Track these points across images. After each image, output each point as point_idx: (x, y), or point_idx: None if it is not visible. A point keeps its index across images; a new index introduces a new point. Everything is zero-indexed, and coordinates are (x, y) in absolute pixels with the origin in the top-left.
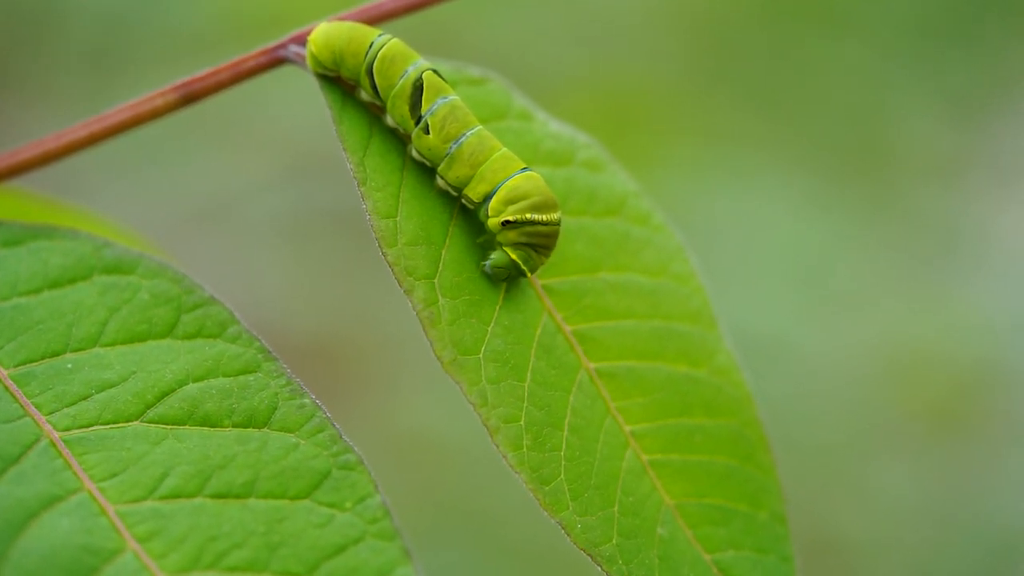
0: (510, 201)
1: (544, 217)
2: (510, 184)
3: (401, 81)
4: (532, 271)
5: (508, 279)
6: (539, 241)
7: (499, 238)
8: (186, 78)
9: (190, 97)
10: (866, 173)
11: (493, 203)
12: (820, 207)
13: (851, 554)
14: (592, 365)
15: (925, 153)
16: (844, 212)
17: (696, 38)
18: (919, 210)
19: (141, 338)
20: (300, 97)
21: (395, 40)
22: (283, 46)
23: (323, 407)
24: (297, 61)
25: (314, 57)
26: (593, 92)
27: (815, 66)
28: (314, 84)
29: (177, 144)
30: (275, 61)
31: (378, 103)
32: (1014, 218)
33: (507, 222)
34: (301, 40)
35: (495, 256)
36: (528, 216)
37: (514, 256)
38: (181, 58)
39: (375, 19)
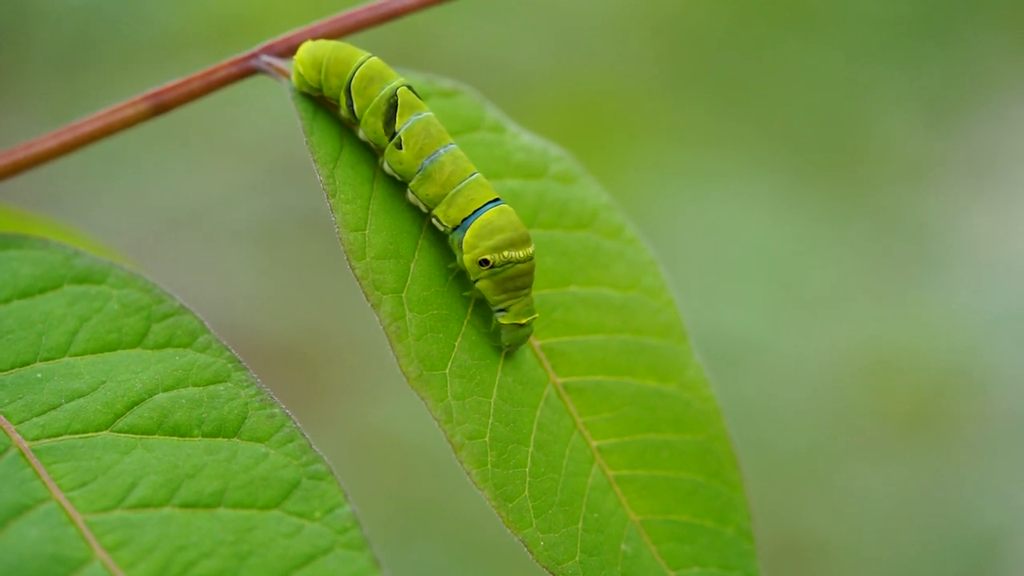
0: (483, 237)
1: (520, 253)
2: (483, 218)
3: (377, 98)
4: (533, 314)
5: (519, 343)
6: (518, 282)
7: (479, 287)
8: (157, 88)
9: (161, 107)
10: (839, 174)
11: (467, 238)
12: (793, 208)
13: (824, 557)
14: (560, 380)
15: (898, 154)
16: (817, 213)
17: (669, 40)
18: (892, 211)
19: (111, 348)
20: (272, 104)
21: (374, 59)
22: (254, 56)
23: (293, 417)
24: (268, 71)
25: (300, 76)
26: (565, 94)
27: (787, 67)
28: (286, 94)
29: (150, 153)
30: (246, 71)
31: (354, 121)
32: (987, 219)
33: (484, 262)
34: (272, 51)
35: (504, 338)
36: (505, 255)
37: (512, 320)
38: (160, 62)
39: (348, 29)
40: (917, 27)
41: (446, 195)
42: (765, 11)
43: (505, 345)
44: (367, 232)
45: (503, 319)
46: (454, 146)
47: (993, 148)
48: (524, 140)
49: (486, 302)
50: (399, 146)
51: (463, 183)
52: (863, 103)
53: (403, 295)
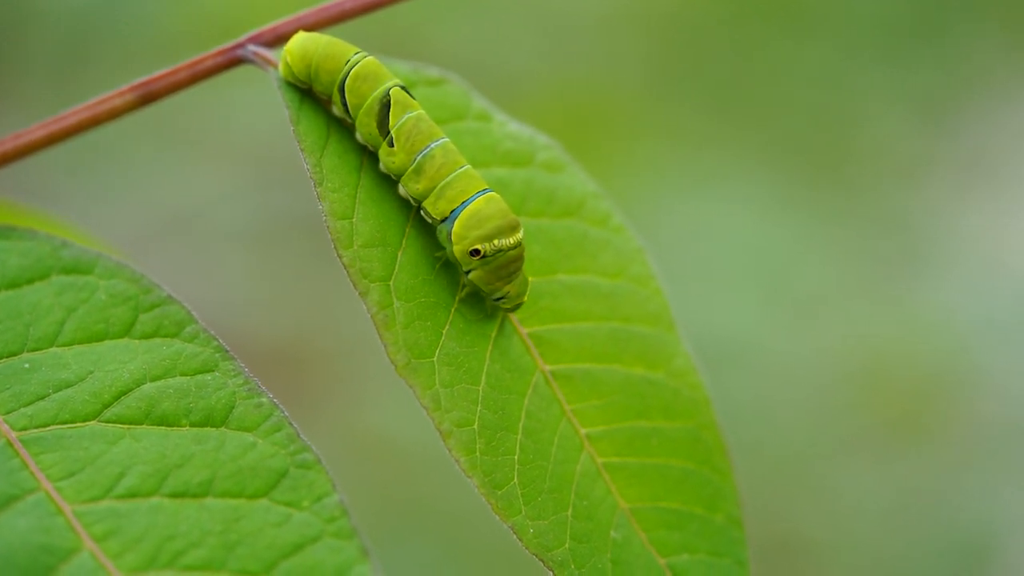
0: (472, 227)
1: (511, 240)
2: (471, 208)
3: (370, 98)
4: (524, 294)
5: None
6: (509, 269)
7: (472, 277)
8: (144, 78)
9: (148, 97)
10: (831, 174)
11: (456, 228)
12: (785, 209)
13: (815, 557)
14: (548, 367)
15: (890, 153)
16: (809, 214)
17: (660, 39)
18: (885, 212)
19: (98, 338)
20: (263, 104)
21: (370, 58)
22: (240, 46)
23: (281, 406)
24: (255, 61)
25: (288, 67)
26: (556, 94)
27: (780, 67)
28: (272, 83)
29: (141, 154)
30: (233, 61)
31: (348, 120)
32: (980, 219)
33: (475, 252)
34: (259, 40)
35: (504, 309)
36: (496, 243)
37: (507, 306)
38: (157, 61)
39: (334, 19)
40: (909, 26)
41: (435, 188)
42: (757, 11)
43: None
44: (354, 220)
45: (505, 304)
46: (446, 139)
47: (985, 148)
48: (511, 128)
49: (480, 292)
50: (391, 144)
51: (452, 175)
52: (855, 102)
53: (391, 283)
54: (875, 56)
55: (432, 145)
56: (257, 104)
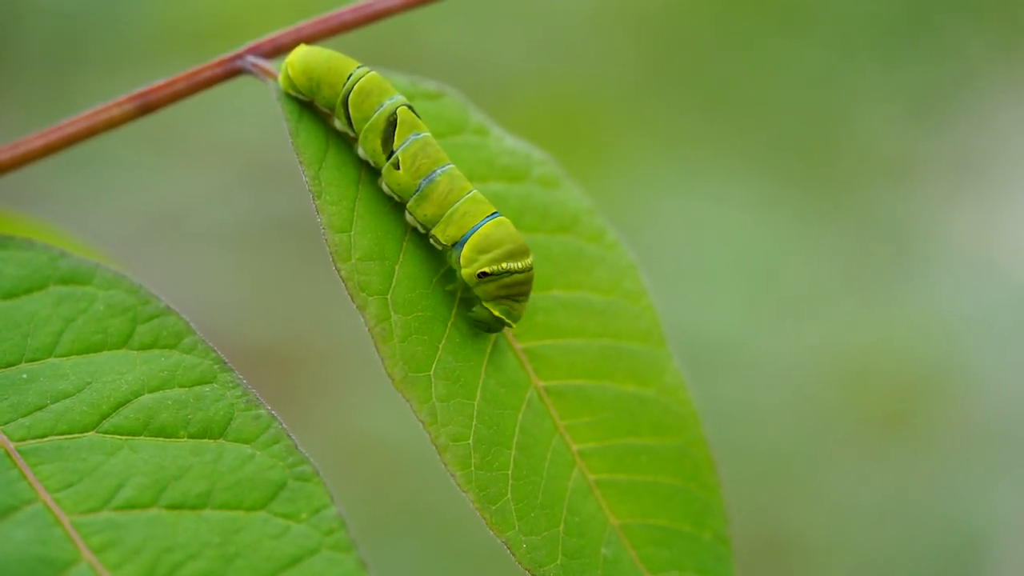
0: (482, 250)
1: (519, 264)
2: (481, 232)
3: (375, 115)
4: (516, 320)
5: (491, 330)
6: (516, 290)
7: (476, 291)
8: (143, 88)
9: (147, 107)
10: (821, 174)
11: (465, 251)
12: (774, 208)
13: (804, 557)
14: (541, 383)
15: (880, 153)
16: (798, 213)
17: (650, 40)
18: (874, 212)
19: (96, 348)
20: (254, 105)
21: (372, 73)
22: (240, 57)
23: (279, 418)
24: (254, 72)
25: (289, 80)
26: (547, 95)
27: (769, 65)
28: (269, 94)
29: (130, 155)
30: (232, 72)
31: (351, 134)
32: (969, 218)
33: (483, 274)
34: (258, 51)
35: (476, 310)
36: (504, 266)
37: (497, 312)
38: (151, 63)
39: (334, 30)
40: (899, 25)
41: (444, 214)
42: (747, 10)
43: (476, 320)
44: (352, 234)
45: (493, 308)
46: (451, 166)
47: (975, 147)
48: (508, 144)
49: (479, 309)
50: (396, 166)
51: (460, 201)
52: (845, 101)
53: (388, 297)
54: (864, 55)
55: (438, 171)
56: (248, 106)
